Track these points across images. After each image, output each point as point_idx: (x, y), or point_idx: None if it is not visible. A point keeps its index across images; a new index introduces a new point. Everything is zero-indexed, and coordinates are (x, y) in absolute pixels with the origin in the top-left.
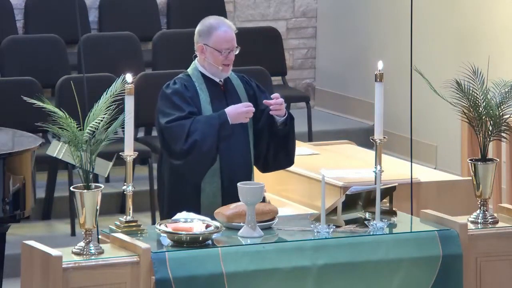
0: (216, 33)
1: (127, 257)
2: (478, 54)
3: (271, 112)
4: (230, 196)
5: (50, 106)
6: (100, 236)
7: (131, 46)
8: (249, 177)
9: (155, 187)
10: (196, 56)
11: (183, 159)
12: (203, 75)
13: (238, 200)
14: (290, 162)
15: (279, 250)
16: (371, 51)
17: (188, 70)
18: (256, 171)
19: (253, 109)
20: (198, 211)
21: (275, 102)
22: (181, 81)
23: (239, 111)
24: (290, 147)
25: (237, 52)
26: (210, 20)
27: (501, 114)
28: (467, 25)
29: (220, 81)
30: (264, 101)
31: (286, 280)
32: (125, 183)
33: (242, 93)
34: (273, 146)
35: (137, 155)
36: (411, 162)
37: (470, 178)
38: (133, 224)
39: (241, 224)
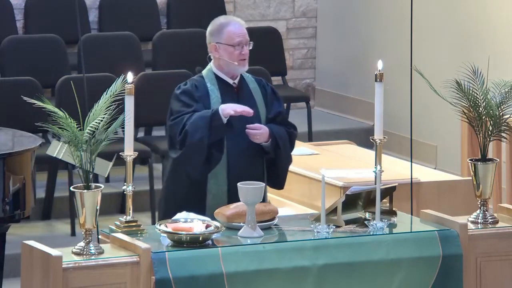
0: (227, 29)
1: (127, 257)
2: (478, 54)
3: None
4: (236, 197)
5: (50, 106)
6: (100, 236)
7: (131, 46)
8: (260, 179)
9: (155, 187)
10: (210, 58)
11: (180, 151)
12: (216, 76)
13: None
14: (279, 185)
15: (279, 250)
16: (371, 51)
17: (203, 72)
18: None
19: (249, 111)
20: (203, 212)
21: (247, 132)
22: (193, 82)
23: (230, 105)
24: (279, 173)
25: (251, 47)
26: (220, 19)
27: (501, 114)
28: (467, 25)
29: (234, 83)
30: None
31: (286, 280)
32: (125, 183)
33: (259, 97)
34: (266, 161)
35: (137, 155)
36: (411, 162)
37: (470, 178)
38: (133, 224)
39: (241, 224)
